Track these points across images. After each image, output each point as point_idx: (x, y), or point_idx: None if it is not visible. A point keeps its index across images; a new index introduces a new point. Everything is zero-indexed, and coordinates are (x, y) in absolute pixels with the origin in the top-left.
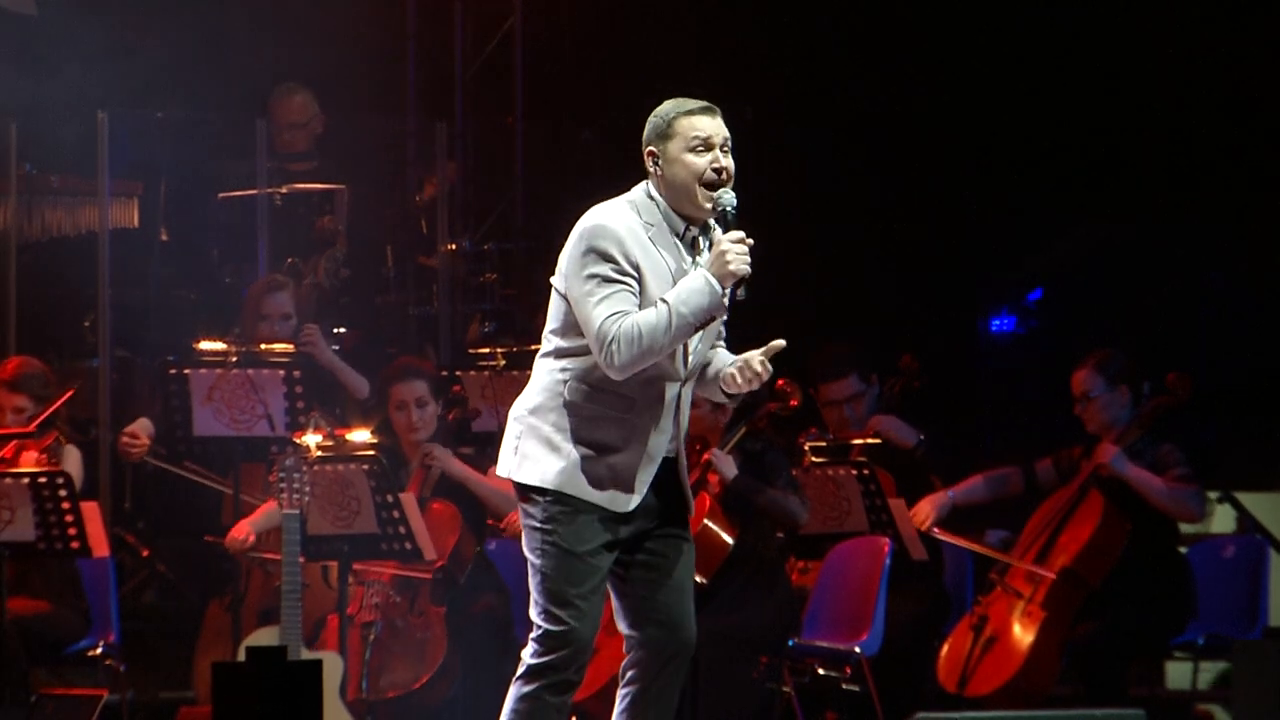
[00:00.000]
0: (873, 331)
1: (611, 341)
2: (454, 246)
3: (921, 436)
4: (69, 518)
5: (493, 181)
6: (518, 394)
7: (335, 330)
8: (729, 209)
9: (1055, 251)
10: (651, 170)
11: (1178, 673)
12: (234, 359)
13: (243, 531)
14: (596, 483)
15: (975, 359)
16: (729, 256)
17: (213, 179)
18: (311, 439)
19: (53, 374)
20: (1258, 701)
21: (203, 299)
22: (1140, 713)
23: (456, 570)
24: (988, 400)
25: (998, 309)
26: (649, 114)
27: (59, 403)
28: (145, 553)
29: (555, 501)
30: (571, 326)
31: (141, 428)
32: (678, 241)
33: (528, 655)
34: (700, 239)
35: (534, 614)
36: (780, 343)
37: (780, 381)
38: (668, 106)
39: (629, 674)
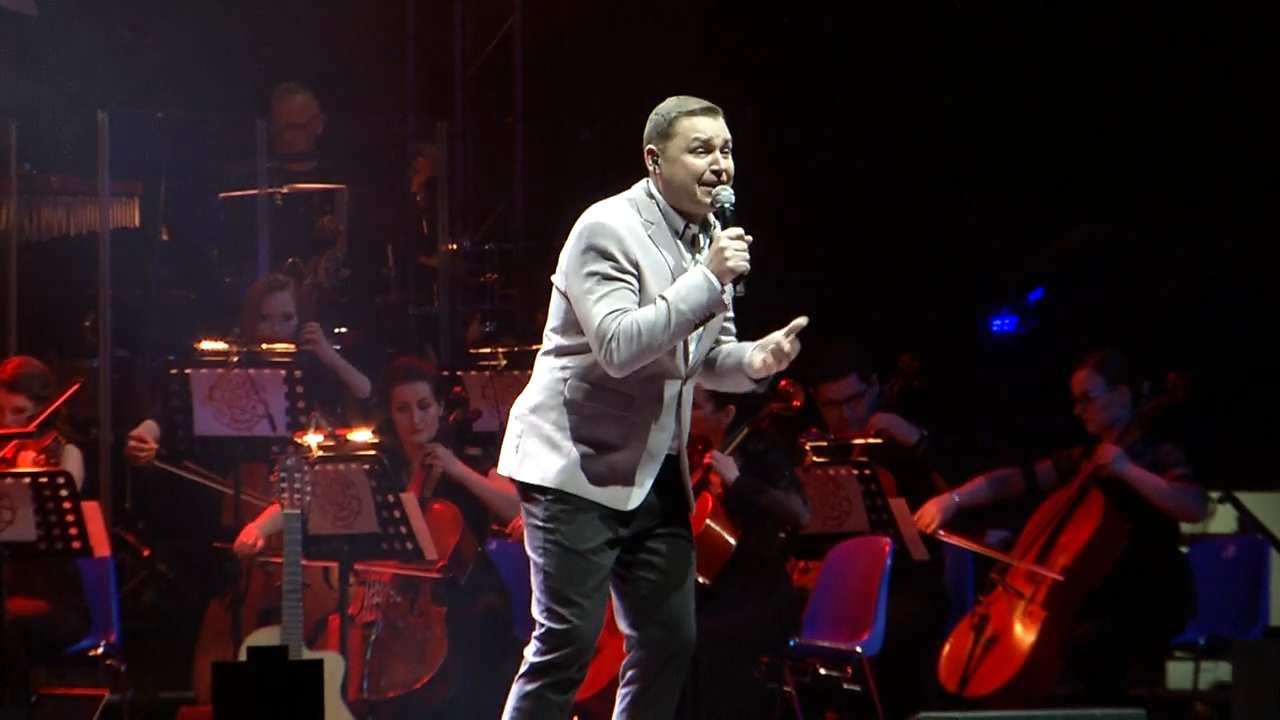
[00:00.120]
0: (873, 331)
1: (611, 339)
2: (454, 246)
3: (923, 434)
4: (70, 517)
5: (493, 181)
6: (518, 394)
7: (336, 330)
8: (727, 205)
9: (1055, 251)
10: (651, 168)
11: (1178, 673)
12: (235, 359)
13: (251, 536)
14: (597, 481)
15: (975, 359)
16: (728, 253)
17: (213, 179)
18: (312, 439)
19: (52, 374)
20: (1258, 701)
21: (203, 299)
22: (1140, 713)
23: (457, 571)
24: (988, 400)
25: (998, 309)
26: (649, 113)
27: (62, 399)
28: (145, 553)
29: (556, 500)
30: (572, 324)
31: (148, 430)
32: (677, 239)
33: (530, 653)
34: (700, 236)
35: (537, 612)
36: (803, 320)
37: (783, 382)
38: (669, 105)
39: (629, 673)
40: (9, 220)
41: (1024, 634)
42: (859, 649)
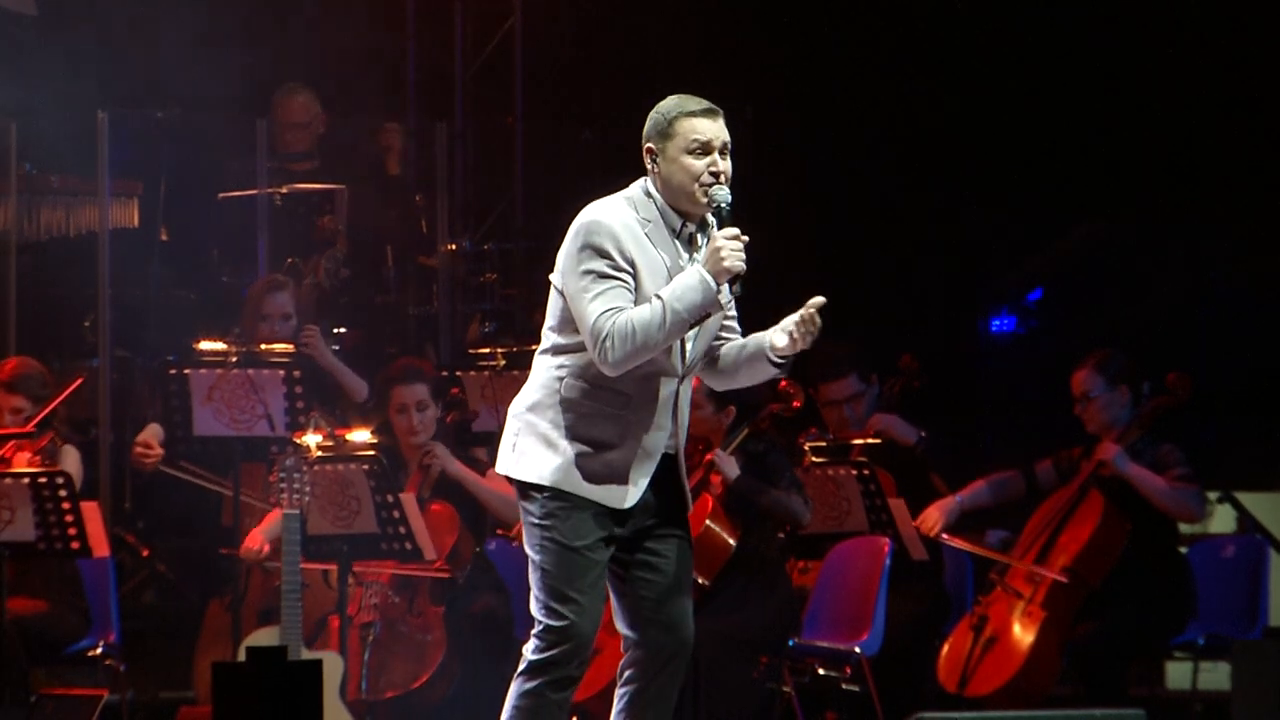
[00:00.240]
0: (873, 331)
1: (606, 338)
2: (454, 246)
3: (922, 434)
4: (69, 518)
5: (493, 181)
6: (517, 394)
7: (335, 330)
8: (724, 205)
9: (1055, 251)
10: (649, 167)
11: (1178, 673)
12: (234, 359)
13: (257, 542)
14: (593, 479)
15: (975, 359)
16: (724, 253)
17: (213, 179)
18: (311, 439)
19: (51, 374)
20: (1258, 701)
21: (202, 299)
22: (1140, 713)
23: (455, 570)
24: (988, 400)
25: (998, 309)
26: (649, 113)
27: (65, 394)
28: (145, 553)
29: (553, 497)
30: (568, 323)
31: (153, 435)
32: (674, 238)
33: (529, 651)
34: (697, 235)
35: (535, 610)
36: (821, 299)
37: (783, 383)
38: (670, 104)
39: (627, 674)
40: (9, 220)
41: (1023, 634)
42: (858, 649)
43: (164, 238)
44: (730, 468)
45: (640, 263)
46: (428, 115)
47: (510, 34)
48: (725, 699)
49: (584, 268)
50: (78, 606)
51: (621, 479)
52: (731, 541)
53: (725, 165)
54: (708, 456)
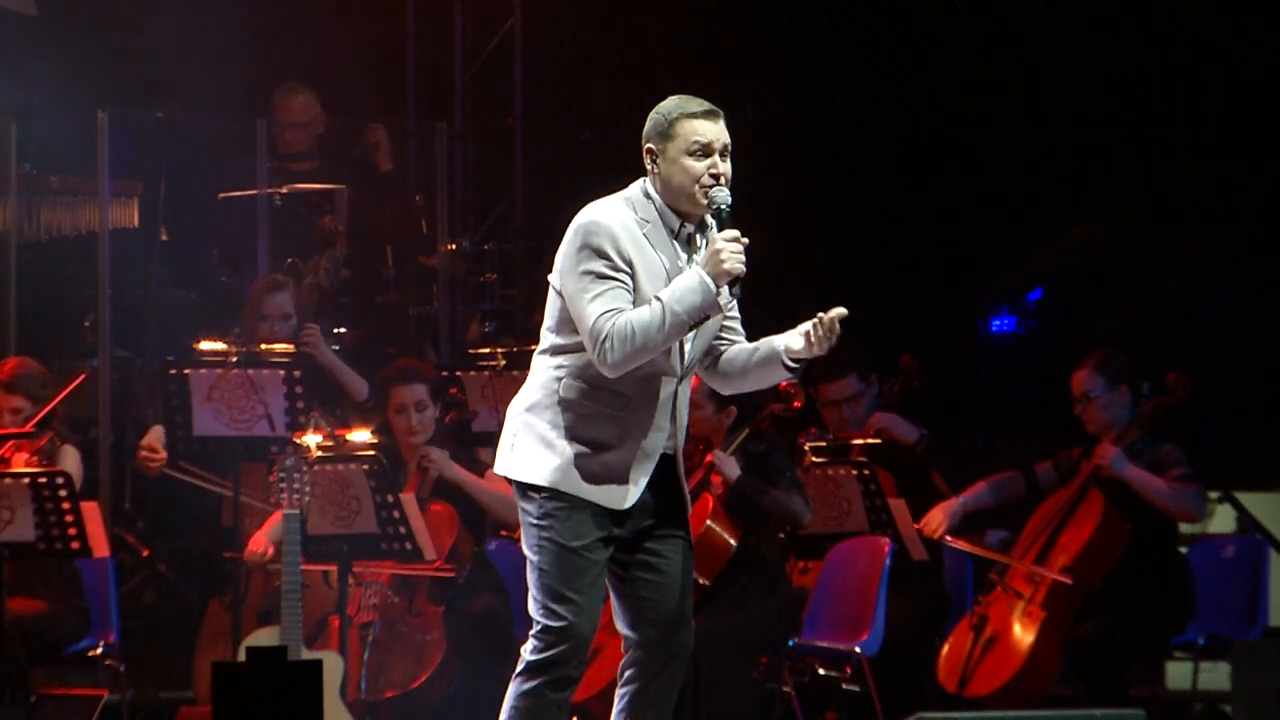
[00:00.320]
0: (873, 331)
1: (605, 339)
2: (454, 246)
3: (922, 434)
4: (69, 518)
5: (493, 181)
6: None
7: (335, 330)
8: (724, 206)
9: (1055, 251)
10: (649, 167)
11: (1178, 673)
12: (234, 359)
13: (261, 545)
14: (591, 479)
15: (975, 359)
16: (724, 255)
17: (213, 179)
18: (311, 439)
19: (50, 374)
20: (1258, 701)
21: (202, 299)
22: (1140, 713)
23: (455, 570)
24: (988, 400)
25: (998, 309)
26: (649, 113)
27: (68, 390)
28: (145, 553)
29: (551, 498)
30: (567, 323)
31: (157, 438)
32: (673, 239)
33: (528, 652)
34: (696, 236)
35: (533, 610)
36: (843, 310)
37: (783, 383)
38: (670, 105)
39: (627, 674)
40: (9, 220)
41: (1023, 634)
42: (858, 649)
43: (164, 238)
44: (731, 468)
45: (638, 263)
46: (428, 115)
47: (510, 34)
48: (725, 699)
49: (582, 268)
50: (78, 606)
51: (620, 480)
52: (732, 542)
53: (725, 167)
54: (708, 457)
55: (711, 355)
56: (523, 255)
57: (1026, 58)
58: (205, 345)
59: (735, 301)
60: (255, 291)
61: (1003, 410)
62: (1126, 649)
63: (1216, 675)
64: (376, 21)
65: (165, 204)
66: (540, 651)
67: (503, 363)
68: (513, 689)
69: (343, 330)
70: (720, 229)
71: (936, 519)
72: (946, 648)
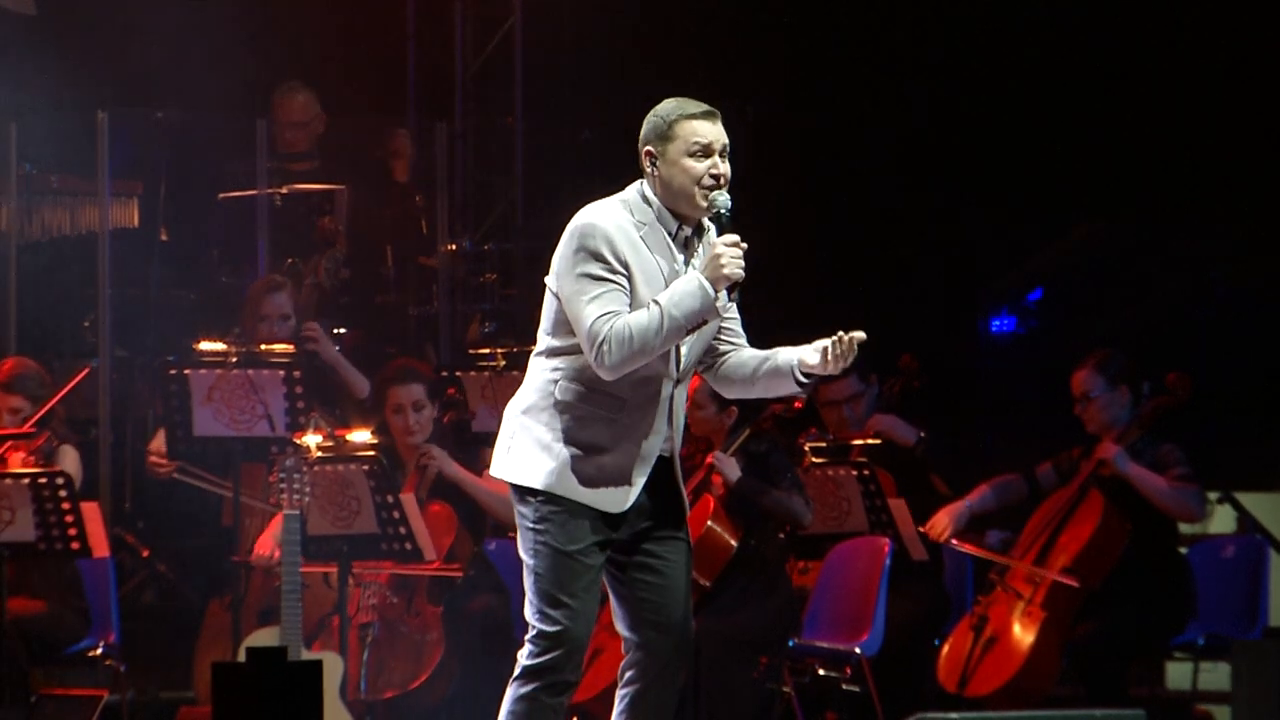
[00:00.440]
0: (873, 331)
1: (603, 342)
2: (454, 246)
3: (922, 434)
4: (69, 518)
5: (493, 181)
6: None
7: (335, 330)
8: (724, 210)
9: (1055, 251)
10: (648, 170)
11: (1178, 673)
12: (234, 359)
13: (267, 548)
14: (588, 483)
15: (975, 359)
16: (723, 260)
17: (213, 179)
18: (311, 439)
19: (49, 374)
20: (1258, 701)
21: (202, 299)
22: (1140, 713)
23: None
24: (988, 400)
25: (998, 309)
26: (649, 113)
27: (71, 385)
28: (145, 553)
29: (547, 501)
30: (563, 325)
31: (164, 444)
32: (670, 241)
33: (523, 657)
34: (694, 239)
35: (529, 614)
36: (862, 334)
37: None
38: (669, 107)
39: (627, 675)
40: (9, 220)
41: (1023, 634)
42: (858, 649)
43: (164, 238)
44: (731, 469)
45: (635, 266)
46: (428, 115)
47: (510, 34)
48: (725, 699)
49: (579, 271)
50: (78, 607)
51: (617, 483)
52: (733, 542)
53: (725, 168)
54: (709, 458)
55: (712, 356)
56: (523, 255)
57: (1026, 58)
58: (205, 345)
59: (734, 304)
60: (253, 292)
61: (1003, 410)
62: (1126, 649)
63: (1216, 675)
64: (376, 21)
65: (165, 204)
66: (536, 657)
67: (503, 363)
68: (509, 694)
69: (343, 330)
70: (720, 233)
71: (942, 522)
72: (946, 648)
